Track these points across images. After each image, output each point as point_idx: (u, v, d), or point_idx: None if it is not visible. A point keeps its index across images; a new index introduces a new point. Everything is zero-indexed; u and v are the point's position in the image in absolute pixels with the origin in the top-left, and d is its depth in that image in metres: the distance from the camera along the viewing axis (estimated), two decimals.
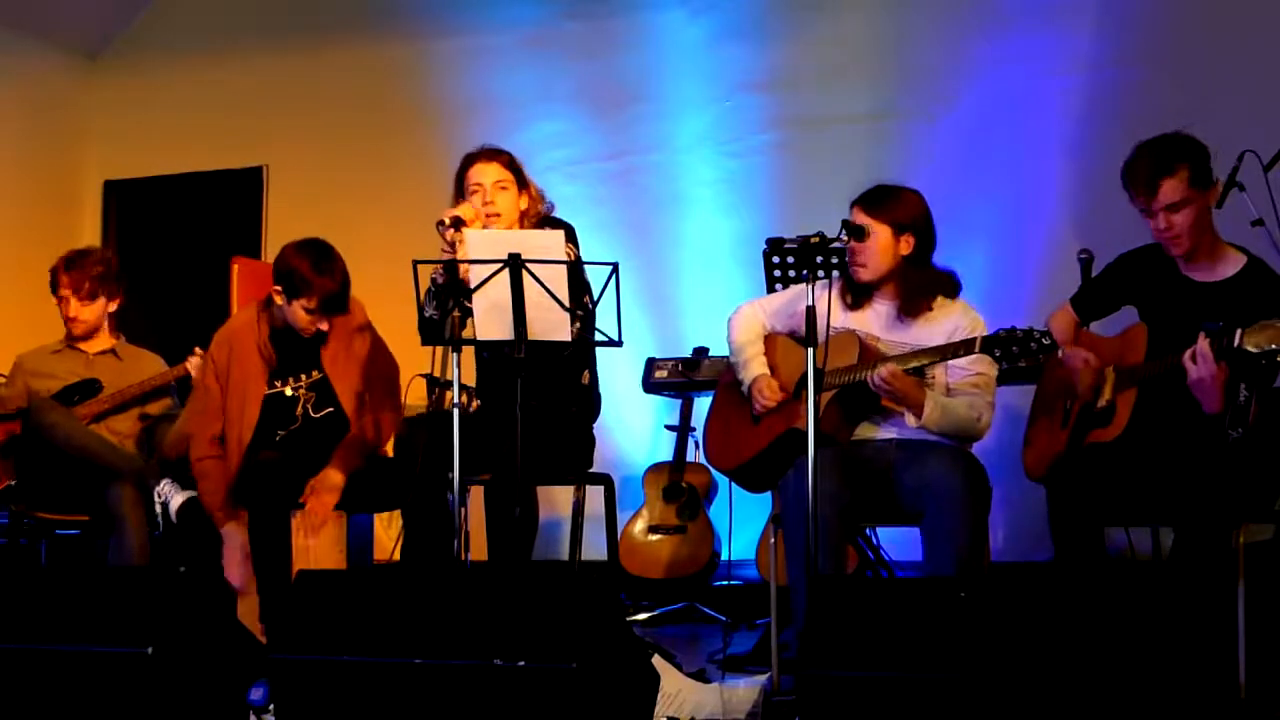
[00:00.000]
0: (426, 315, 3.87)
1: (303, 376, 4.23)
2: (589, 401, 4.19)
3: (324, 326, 4.16)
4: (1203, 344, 3.26)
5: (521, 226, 4.04)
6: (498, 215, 3.99)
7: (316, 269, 4.06)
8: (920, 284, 3.76)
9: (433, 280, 3.79)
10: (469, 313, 3.61)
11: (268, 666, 2.88)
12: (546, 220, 4.09)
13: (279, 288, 4.12)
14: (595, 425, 4.29)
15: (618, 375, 5.49)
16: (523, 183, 4.08)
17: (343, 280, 4.12)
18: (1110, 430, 3.53)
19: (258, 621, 4.01)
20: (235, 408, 4.19)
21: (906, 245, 3.74)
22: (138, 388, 4.63)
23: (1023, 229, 5.63)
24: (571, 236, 3.98)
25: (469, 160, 4.07)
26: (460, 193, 4.05)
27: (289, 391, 4.23)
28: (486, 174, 4.03)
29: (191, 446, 4.24)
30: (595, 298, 3.57)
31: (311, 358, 4.24)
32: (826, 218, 3.76)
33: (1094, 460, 3.46)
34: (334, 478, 4.09)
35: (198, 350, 4.50)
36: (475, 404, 4.22)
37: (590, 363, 4.20)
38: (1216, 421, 3.31)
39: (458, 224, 3.79)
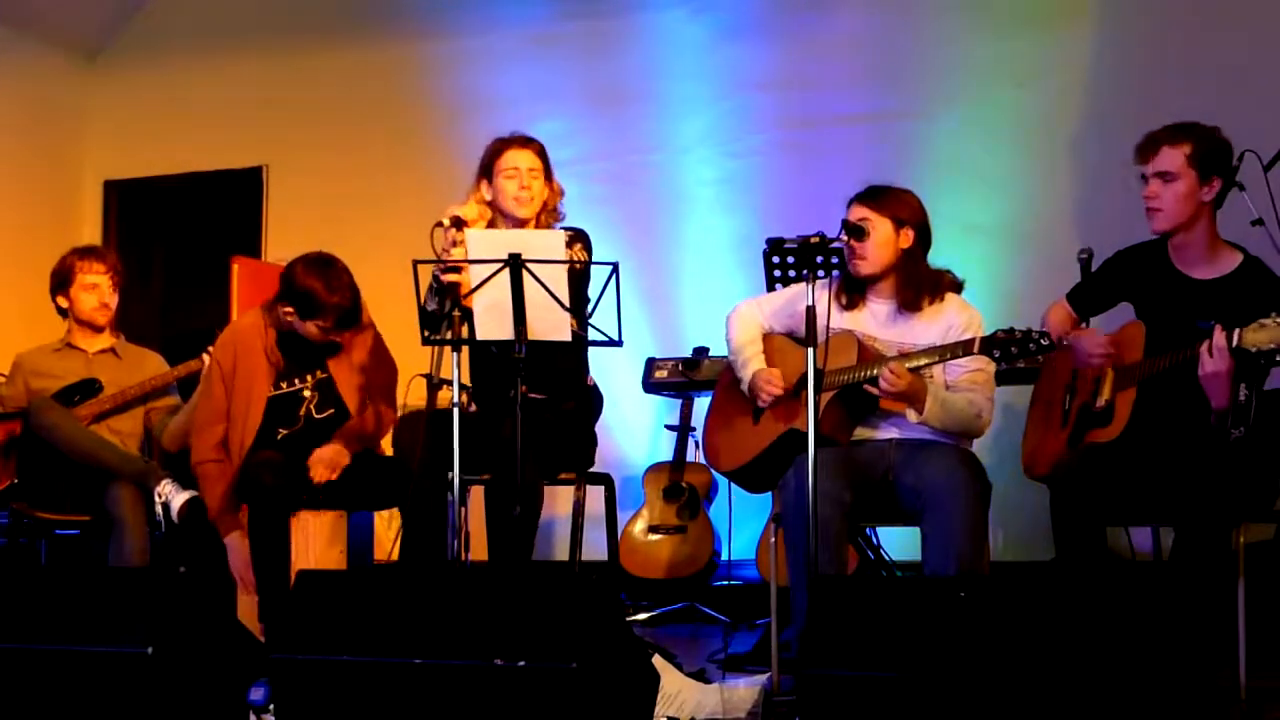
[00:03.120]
0: (429, 310, 3.86)
1: (308, 378, 4.24)
2: (590, 400, 4.19)
3: (337, 339, 4.17)
4: (1219, 337, 3.25)
5: (540, 219, 4.03)
6: (530, 199, 3.98)
7: (329, 289, 4.08)
8: (918, 280, 3.76)
9: (435, 276, 3.79)
10: (468, 315, 3.61)
11: (268, 666, 2.88)
12: (564, 227, 4.07)
13: (290, 308, 4.13)
14: (596, 425, 4.29)
15: (618, 375, 5.49)
16: (549, 174, 4.08)
17: (354, 296, 4.14)
18: (1110, 430, 3.53)
19: (257, 621, 4.01)
20: (239, 410, 4.19)
21: (906, 239, 3.74)
22: (138, 388, 4.62)
23: (1023, 229, 5.63)
24: (586, 244, 3.99)
25: (504, 145, 4.04)
26: (488, 175, 4.02)
27: (291, 393, 4.23)
28: (522, 159, 4.01)
29: (193, 450, 4.25)
30: (593, 304, 3.56)
31: (316, 359, 4.25)
32: (826, 218, 3.76)
33: (1094, 460, 3.46)
34: (340, 453, 4.11)
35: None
36: (473, 406, 4.22)
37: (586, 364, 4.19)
38: (1219, 420, 3.31)
39: (459, 224, 3.79)
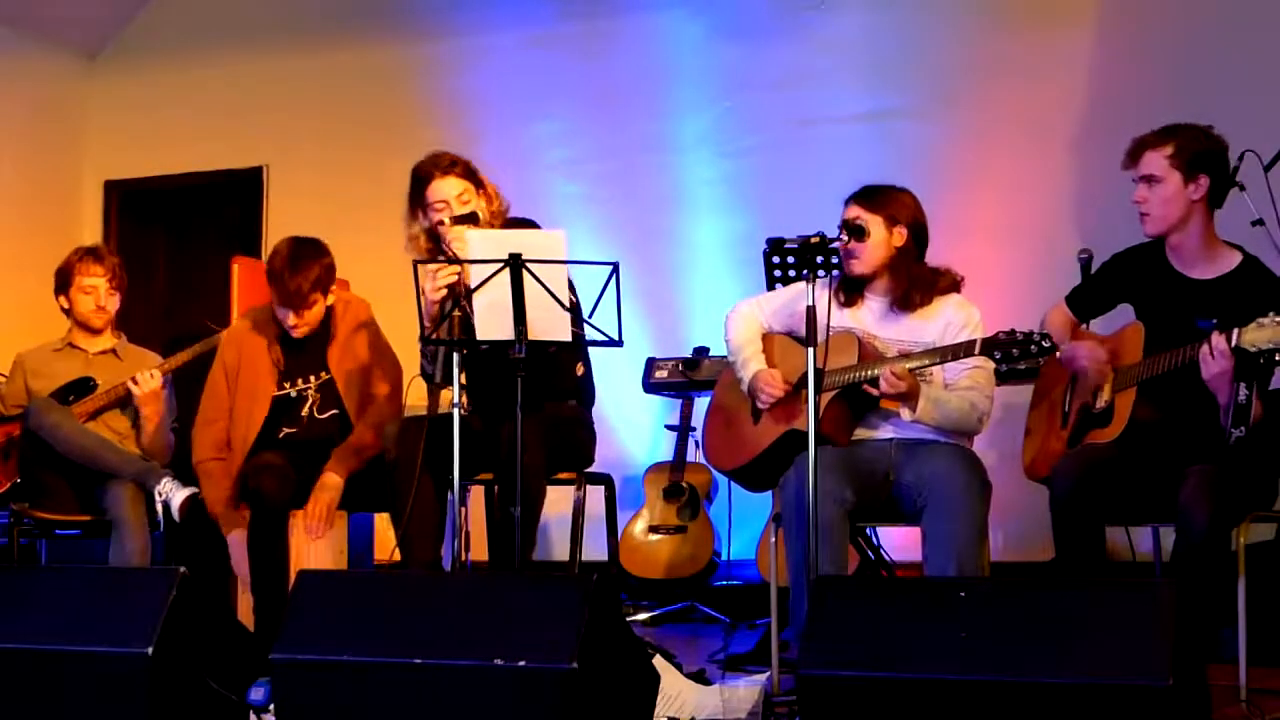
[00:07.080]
0: (427, 373, 3.84)
1: (311, 378, 4.24)
2: (584, 392, 4.18)
3: (290, 320, 4.14)
4: (1218, 340, 3.24)
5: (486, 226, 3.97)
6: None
7: (279, 266, 4.10)
8: (914, 279, 3.76)
9: (424, 335, 3.72)
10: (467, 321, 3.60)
11: (268, 666, 2.88)
12: (514, 221, 4.03)
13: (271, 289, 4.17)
14: (596, 426, 4.27)
15: (618, 375, 5.49)
16: (480, 185, 3.98)
17: (310, 277, 4.09)
18: (1110, 430, 3.53)
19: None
20: (243, 408, 4.20)
21: (900, 238, 3.74)
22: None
23: (1023, 229, 5.63)
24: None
25: (427, 175, 3.95)
26: (421, 207, 3.93)
27: (294, 394, 4.23)
28: (449, 188, 3.92)
29: (195, 448, 4.26)
30: (593, 299, 3.55)
31: (319, 359, 4.24)
32: (826, 218, 3.76)
33: (1094, 460, 3.46)
34: (332, 479, 4.09)
35: (155, 369, 4.51)
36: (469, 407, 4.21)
37: (584, 354, 4.17)
38: (1225, 419, 3.30)
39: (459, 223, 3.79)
